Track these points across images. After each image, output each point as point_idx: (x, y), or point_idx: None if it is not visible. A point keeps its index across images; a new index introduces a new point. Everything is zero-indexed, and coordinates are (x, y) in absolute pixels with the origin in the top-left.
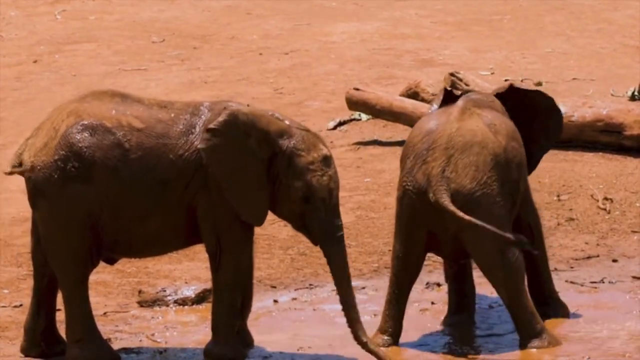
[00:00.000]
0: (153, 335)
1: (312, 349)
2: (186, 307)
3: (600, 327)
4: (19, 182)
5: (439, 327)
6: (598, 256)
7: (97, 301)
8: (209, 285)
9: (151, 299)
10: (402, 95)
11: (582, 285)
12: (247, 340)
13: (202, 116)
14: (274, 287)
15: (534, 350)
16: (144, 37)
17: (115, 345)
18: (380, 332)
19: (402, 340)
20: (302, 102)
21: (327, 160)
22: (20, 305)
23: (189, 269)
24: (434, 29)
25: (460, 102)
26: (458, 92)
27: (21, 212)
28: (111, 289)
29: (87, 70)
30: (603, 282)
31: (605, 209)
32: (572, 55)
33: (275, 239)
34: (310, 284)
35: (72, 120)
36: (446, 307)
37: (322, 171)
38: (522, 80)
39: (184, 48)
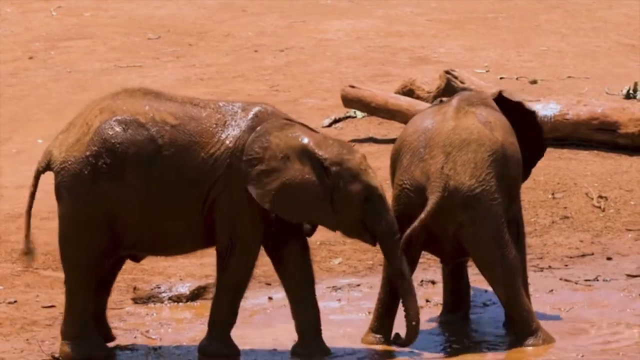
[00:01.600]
0: (148, 332)
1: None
2: (181, 304)
3: (595, 325)
4: (14, 178)
5: (433, 325)
6: (592, 254)
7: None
8: (203, 282)
9: (146, 296)
10: (398, 92)
11: (576, 283)
12: None
13: (235, 116)
14: (269, 284)
15: (529, 348)
16: (140, 34)
17: (110, 342)
18: (371, 330)
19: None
20: (297, 99)
21: (366, 159)
22: (15, 301)
23: (184, 266)
24: (429, 27)
25: (454, 102)
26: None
27: (15, 208)
28: None
29: (83, 66)
30: (597, 280)
31: (599, 207)
32: (567, 54)
33: None
34: None
35: (105, 115)
36: (440, 305)
37: (371, 170)
38: (517, 79)
39: (180, 45)
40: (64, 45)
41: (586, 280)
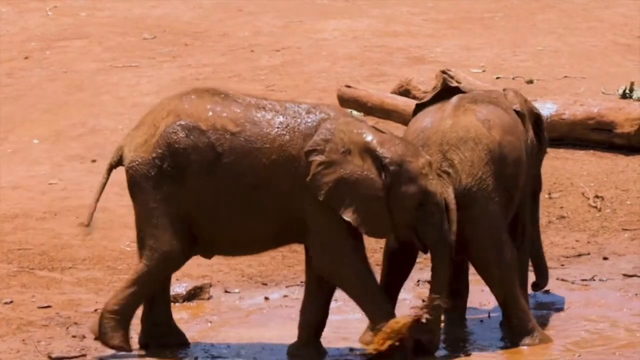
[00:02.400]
0: None
1: None
2: (177, 304)
3: (591, 324)
4: (10, 178)
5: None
6: (589, 254)
7: (88, 298)
8: (199, 282)
9: None
10: (394, 92)
11: (573, 283)
12: None
13: (298, 119)
14: (265, 284)
15: (526, 348)
16: (135, 34)
17: None
18: (370, 329)
19: None
20: (293, 99)
21: (432, 166)
22: (11, 301)
23: None
24: (425, 27)
25: (454, 99)
26: (455, 84)
27: (12, 208)
28: (102, 285)
29: (78, 66)
30: (594, 280)
31: (596, 207)
32: (564, 53)
33: None
34: (302, 281)
35: (171, 119)
36: None
37: (433, 176)
38: (513, 78)
39: (175, 45)
40: (59, 45)
41: (583, 280)
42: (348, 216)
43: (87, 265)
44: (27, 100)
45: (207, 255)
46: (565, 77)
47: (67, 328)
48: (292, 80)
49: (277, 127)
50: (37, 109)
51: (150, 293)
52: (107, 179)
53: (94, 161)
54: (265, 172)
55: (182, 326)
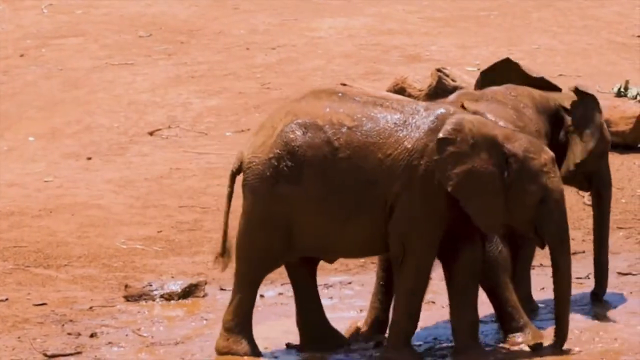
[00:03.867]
0: (139, 329)
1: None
2: (172, 301)
3: (587, 322)
4: (6, 176)
5: (426, 321)
6: (584, 252)
7: (84, 295)
8: (195, 280)
9: (137, 294)
10: (389, 90)
11: None
12: None
13: (416, 116)
14: None
15: (521, 345)
16: (131, 32)
17: (102, 340)
18: (366, 325)
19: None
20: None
21: (555, 162)
22: (6, 299)
23: (175, 264)
24: (421, 25)
25: (452, 96)
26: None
27: (7, 205)
28: (97, 283)
29: (74, 64)
30: (589, 278)
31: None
32: (559, 52)
33: None
34: None
35: (289, 119)
36: (432, 303)
37: (555, 173)
38: None
39: (171, 43)
40: (55, 43)
41: (577, 278)
42: (468, 208)
43: (82, 263)
44: (22, 98)
45: (325, 257)
46: (561, 75)
47: (63, 325)
48: (288, 78)
49: (394, 123)
50: (32, 107)
51: (257, 289)
52: (232, 188)
53: (89, 159)
54: (381, 167)
55: (177, 324)
